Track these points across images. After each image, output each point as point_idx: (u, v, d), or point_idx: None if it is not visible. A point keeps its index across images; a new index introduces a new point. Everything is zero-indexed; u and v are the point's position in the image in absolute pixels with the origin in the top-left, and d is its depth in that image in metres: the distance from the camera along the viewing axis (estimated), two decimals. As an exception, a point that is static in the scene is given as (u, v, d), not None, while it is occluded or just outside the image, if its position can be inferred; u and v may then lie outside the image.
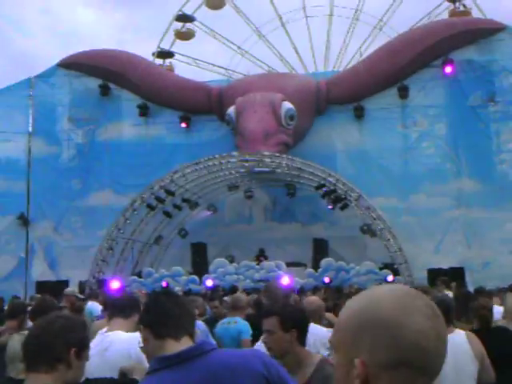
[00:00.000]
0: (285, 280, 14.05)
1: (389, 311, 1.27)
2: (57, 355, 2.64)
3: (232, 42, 33.14)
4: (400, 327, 1.25)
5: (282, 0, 33.08)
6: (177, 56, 31.54)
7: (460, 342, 4.67)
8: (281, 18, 32.75)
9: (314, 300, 6.21)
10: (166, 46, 31.78)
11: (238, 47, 33.14)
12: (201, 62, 32.16)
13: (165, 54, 30.49)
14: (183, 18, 32.04)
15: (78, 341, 2.72)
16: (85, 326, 2.95)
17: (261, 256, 23.88)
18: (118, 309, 4.38)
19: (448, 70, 24.08)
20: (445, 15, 29.97)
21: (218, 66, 31.27)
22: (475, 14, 29.54)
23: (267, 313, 3.84)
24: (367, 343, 1.25)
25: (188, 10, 31.84)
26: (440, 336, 1.29)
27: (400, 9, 31.42)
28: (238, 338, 7.28)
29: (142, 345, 2.75)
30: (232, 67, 31.81)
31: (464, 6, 30.04)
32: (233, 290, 15.44)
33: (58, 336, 2.66)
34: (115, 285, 19.73)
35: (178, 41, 32.25)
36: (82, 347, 2.74)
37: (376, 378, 1.24)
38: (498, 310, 7.25)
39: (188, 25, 32.27)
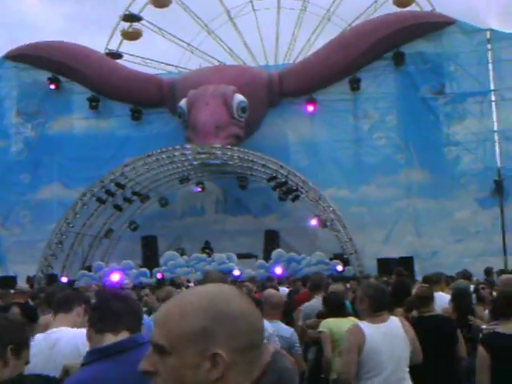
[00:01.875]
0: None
1: (237, 303, 1.39)
2: None
3: (181, 40, 32.87)
4: (250, 315, 1.40)
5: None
6: (126, 56, 31.11)
7: (395, 327, 4.78)
8: (229, 13, 32.61)
9: (274, 293, 6.09)
10: (113, 46, 31.34)
11: (188, 44, 32.89)
12: (150, 62, 31.75)
13: (113, 55, 29.99)
14: (130, 17, 31.59)
15: (15, 339, 2.75)
16: (23, 326, 3.01)
17: (206, 248, 23.71)
18: (61, 303, 4.28)
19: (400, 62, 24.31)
20: (390, 3, 30.15)
21: (168, 64, 30.96)
22: (419, 1, 29.85)
23: None
24: (224, 334, 1.34)
25: (134, 9, 31.52)
26: (256, 321, 1.42)
27: (347, -2, 31.52)
28: None
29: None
30: (182, 65, 31.54)
31: None
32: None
33: None
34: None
35: (125, 41, 31.91)
36: (20, 346, 2.76)
37: (232, 364, 1.33)
38: (445, 298, 7.27)
39: (135, 24, 31.87)
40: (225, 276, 5.66)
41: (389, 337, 4.65)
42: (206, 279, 4.76)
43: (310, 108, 24.91)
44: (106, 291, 3.26)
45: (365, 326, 4.72)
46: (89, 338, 2.83)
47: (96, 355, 2.52)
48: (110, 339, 2.65)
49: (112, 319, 2.72)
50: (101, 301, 2.90)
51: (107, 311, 2.76)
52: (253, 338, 1.38)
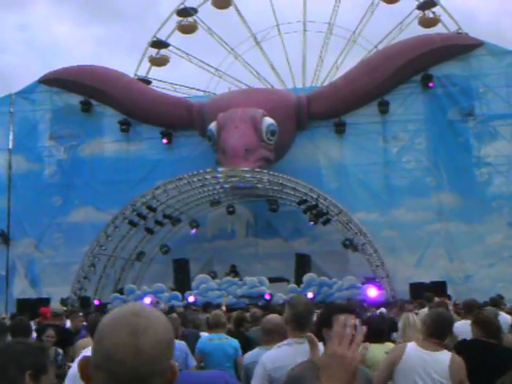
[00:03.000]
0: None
1: (102, 324, 1.51)
2: (11, 378, 2.64)
3: (209, 65, 33.30)
4: (103, 338, 1.48)
5: (255, 19, 33.46)
6: (154, 82, 31.59)
7: (442, 360, 4.70)
8: (255, 37, 32.98)
9: (273, 317, 5.91)
10: (142, 72, 31.84)
11: (216, 69, 33.28)
12: (179, 87, 32.13)
13: (142, 82, 30.47)
14: (157, 44, 32.23)
15: (34, 364, 2.71)
16: (43, 351, 2.92)
17: (232, 272, 23.80)
18: (94, 326, 4.29)
19: (428, 85, 24.40)
20: (415, 24, 30.40)
21: (197, 90, 31.28)
22: (444, 19, 30.10)
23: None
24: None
25: (162, 35, 32.13)
26: (139, 351, 1.44)
27: (372, 20, 31.89)
28: (234, 354, 7.26)
29: None
30: (211, 89, 31.90)
31: (433, 13, 30.55)
32: (208, 306, 15.46)
33: (12, 359, 2.67)
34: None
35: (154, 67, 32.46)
36: (39, 371, 2.71)
37: (93, 375, 1.48)
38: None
39: (162, 51, 32.46)
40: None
41: (429, 366, 4.65)
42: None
43: (339, 131, 25.07)
44: None
45: (411, 346, 4.78)
46: None
47: None
48: None
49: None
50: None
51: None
52: (100, 360, 1.47)
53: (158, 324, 1.51)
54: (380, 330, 6.25)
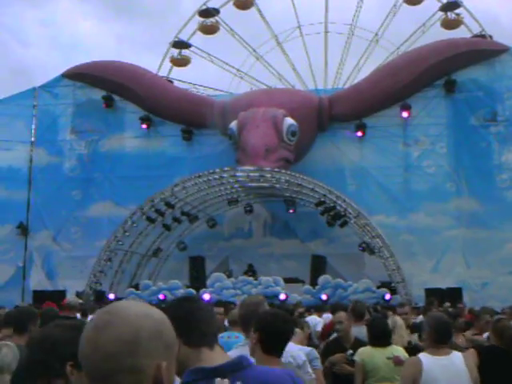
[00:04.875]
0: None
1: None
2: (51, 371, 2.47)
3: (230, 65, 33.32)
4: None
5: (277, 20, 33.42)
6: (176, 83, 31.70)
7: (458, 362, 4.71)
8: (277, 38, 32.93)
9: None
10: (164, 73, 31.92)
11: (237, 70, 33.27)
12: (200, 88, 32.19)
13: (164, 81, 30.66)
14: (179, 44, 32.36)
15: (74, 354, 2.54)
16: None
17: (249, 271, 23.80)
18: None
19: (451, 90, 24.21)
20: (438, 25, 30.34)
21: (219, 90, 31.25)
22: (467, 21, 29.85)
23: None
24: None
25: (184, 36, 32.23)
26: (96, 347, 1.46)
27: (394, 21, 31.67)
28: None
29: None
30: (232, 90, 31.91)
31: (457, 14, 30.29)
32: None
33: (51, 350, 2.49)
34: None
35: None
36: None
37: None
38: None
39: (184, 51, 32.56)
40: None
41: (449, 370, 4.61)
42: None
43: (360, 133, 24.95)
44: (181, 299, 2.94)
45: (424, 357, 4.70)
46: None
47: (202, 374, 2.30)
48: (207, 355, 2.43)
49: (206, 332, 2.49)
50: (184, 310, 2.56)
51: (197, 322, 2.51)
52: (80, 355, 1.53)
53: (124, 319, 1.49)
54: (382, 334, 6.09)
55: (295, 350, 4.68)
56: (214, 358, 2.41)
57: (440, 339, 4.77)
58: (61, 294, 20.66)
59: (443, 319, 5.02)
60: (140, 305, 1.56)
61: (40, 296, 21.69)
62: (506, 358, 5.51)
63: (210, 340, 2.48)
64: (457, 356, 4.78)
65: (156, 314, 1.55)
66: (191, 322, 2.52)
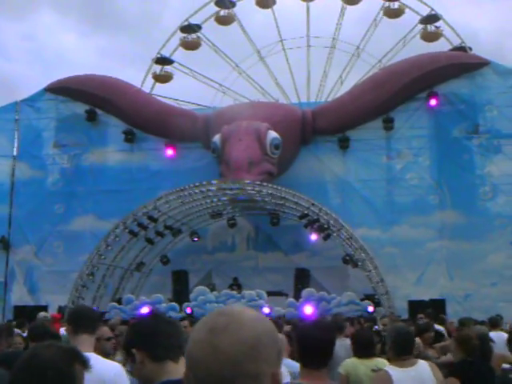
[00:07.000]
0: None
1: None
2: None
3: (213, 80, 33.35)
4: (189, 337, 1.47)
5: (259, 35, 33.47)
6: (159, 98, 31.63)
7: (425, 371, 4.72)
8: (259, 53, 33.01)
9: None
10: (146, 88, 31.83)
11: (220, 85, 33.31)
12: (184, 103, 32.16)
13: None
14: (161, 61, 32.38)
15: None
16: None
17: (234, 285, 23.71)
18: (84, 322, 3.96)
19: (433, 102, 24.37)
20: (418, 38, 30.75)
21: (202, 105, 31.21)
22: (447, 34, 30.28)
23: None
24: None
25: (166, 52, 32.33)
26: (215, 350, 1.39)
27: (375, 34, 32.00)
28: None
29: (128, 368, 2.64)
30: (215, 105, 31.84)
31: (436, 27, 30.72)
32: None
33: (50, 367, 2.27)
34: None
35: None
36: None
37: (184, 375, 1.46)
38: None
39: (166, 67, 32.60)
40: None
41: (418, 381, 4.60)
42: None
43: (343, 147, 25.02)
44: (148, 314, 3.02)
45: (392, 370, 4.68)
46: (140, 362, 2.56)
47: None
48: (172, 368, 2.49)
49: (169, 346, 2.54)
50: (149, 325, 2.61)
51: (161, 336, 2.55)
52: (187, 359, 1.47)
53: (244, 323, 1.43)
54: (367, 345, 6.08)
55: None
56: (179, 370, 2.42)
57: (402, 351, 4.75)
58: (42, 310, 20.42)
59: (403, 330, 5.01)
60: (247, 308, 1.51)
61: (21, 311, 21.46)
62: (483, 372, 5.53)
63: (175, 353, 2.53)
64: (423, 366, 4.78)
65: (266, 318, 1.51)
66: (154, 337, 2.57)
